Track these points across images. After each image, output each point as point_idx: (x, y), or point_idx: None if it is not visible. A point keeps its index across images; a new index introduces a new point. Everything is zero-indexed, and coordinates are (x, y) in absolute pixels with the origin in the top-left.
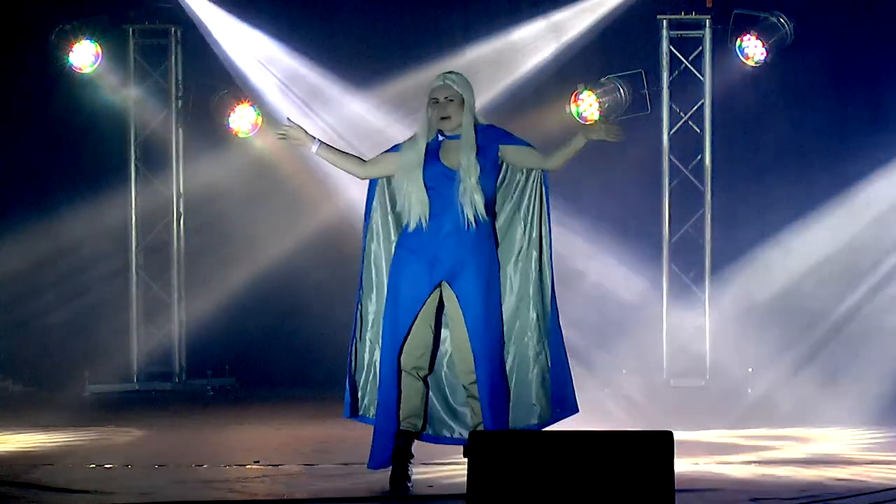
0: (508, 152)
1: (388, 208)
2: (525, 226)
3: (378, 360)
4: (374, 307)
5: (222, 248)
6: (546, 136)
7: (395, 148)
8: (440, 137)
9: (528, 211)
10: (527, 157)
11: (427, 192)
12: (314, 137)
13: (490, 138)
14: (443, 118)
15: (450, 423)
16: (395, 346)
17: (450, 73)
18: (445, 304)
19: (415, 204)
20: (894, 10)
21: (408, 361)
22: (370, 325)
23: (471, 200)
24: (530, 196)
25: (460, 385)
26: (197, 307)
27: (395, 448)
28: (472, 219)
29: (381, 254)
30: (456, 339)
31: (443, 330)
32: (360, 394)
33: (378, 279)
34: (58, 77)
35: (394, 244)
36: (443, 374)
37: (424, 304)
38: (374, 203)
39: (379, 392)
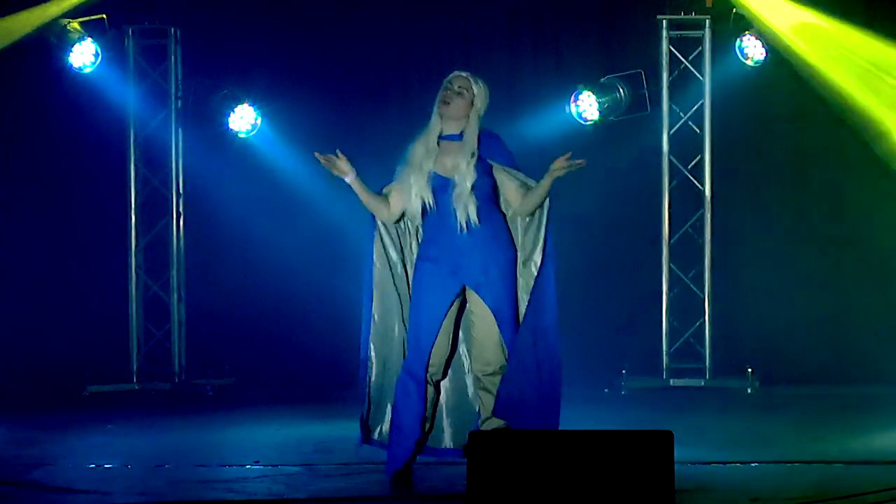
0: (497, 175)
1: (388, 250)
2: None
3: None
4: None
5: (222, 249)
6: (546, 136)
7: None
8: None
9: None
10: (510, 191)
11: (434, 196)
12: (353, 169)
13: (491, 148)
14: (445, 103)
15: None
16: (423, 357)
17: (474, 73)
18: (469, 302)
19: (417, 194)
20: (894, 10)
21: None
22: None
23: (464, 206)
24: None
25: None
26: (197, 307)
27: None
28: (464, 224)
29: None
30: (479, 331)
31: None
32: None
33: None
34: (58, 77)
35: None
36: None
37: (448, 311)
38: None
39: (398, 401)
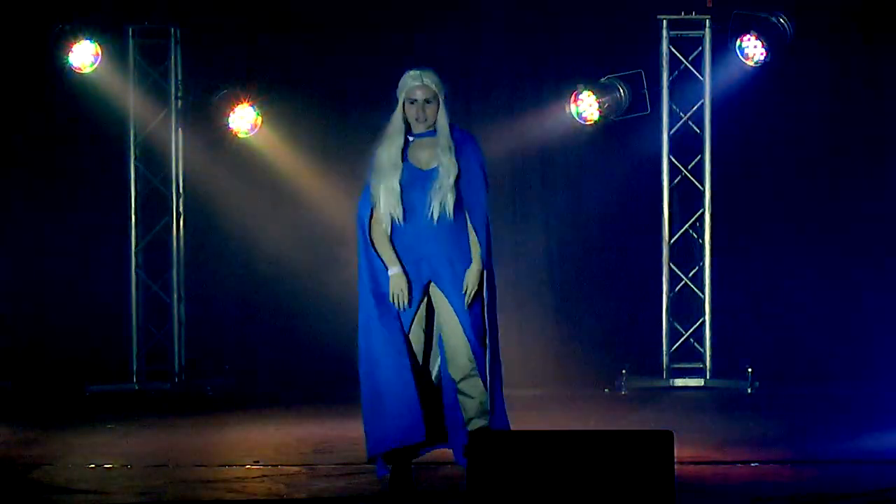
0: (461, 178)
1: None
2: None
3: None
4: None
5: (222, 248)
6: (546, 136)
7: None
8: (410, 138)
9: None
10: (468, 201)
11: (401, 194)
12: (402, 274)
13: (465, 146)
14: (419, 119)
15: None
16: (402, 349)
17: (424, 70)
18: (435, 302)
19: (385, 204)
20: (894, 10)
21: None
22: None
23: (441, 200)
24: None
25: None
26: (197, 307)
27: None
28: (437, 216)
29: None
30: (449, 336)
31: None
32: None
33: None
34: (58, 77)
35: None
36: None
37: (420, 303)
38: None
39: (373, 400)
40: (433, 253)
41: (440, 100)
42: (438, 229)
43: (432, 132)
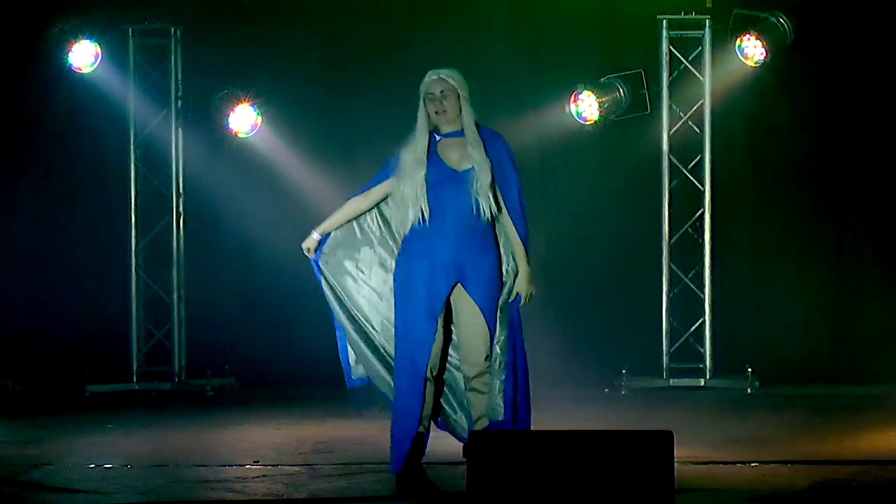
0: (495, 177)
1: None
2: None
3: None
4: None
5: (222, 248)
6: (546, 136)
7: (387, 165)
8: (437, 137)
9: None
10: (504, 200)
11: (428, 192)
12: (315, 238)
13: (494, 144)
14: (438, 112)
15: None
16: (425, 355)
17: (442, 68)
18: (455, 301)
19: (413, 205)
20: (894, 10)
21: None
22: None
23: (487, 197)
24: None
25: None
26: (197, 307)
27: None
28: (489, 215)
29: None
30: (467, 332)
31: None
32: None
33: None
34: (58, 77)
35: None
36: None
37: (442, 306)
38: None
39: (399, 400)
40: (461, 255)
41: (460, 95)
42: (467, 232)
43: (459, 132)
